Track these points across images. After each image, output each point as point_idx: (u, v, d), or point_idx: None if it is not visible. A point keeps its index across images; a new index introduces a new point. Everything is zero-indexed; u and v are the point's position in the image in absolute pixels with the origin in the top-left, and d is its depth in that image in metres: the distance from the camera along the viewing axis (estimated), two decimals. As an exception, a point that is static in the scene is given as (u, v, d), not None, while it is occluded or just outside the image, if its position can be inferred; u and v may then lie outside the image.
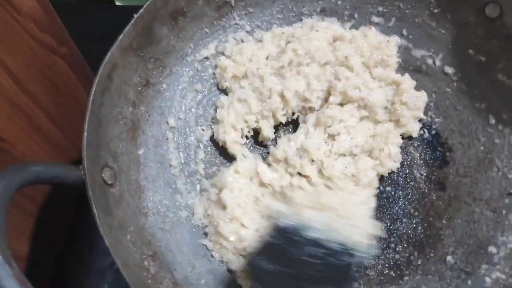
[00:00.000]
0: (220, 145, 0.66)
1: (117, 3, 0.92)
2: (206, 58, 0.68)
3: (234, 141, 0.65)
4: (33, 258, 0.66)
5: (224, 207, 0.59)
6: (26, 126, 0.65)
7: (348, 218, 0.49)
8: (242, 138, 0.66)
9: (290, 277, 0.48)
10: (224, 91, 0.69)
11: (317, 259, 0.47)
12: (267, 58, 0.68)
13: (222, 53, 0.69)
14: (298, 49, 0.66)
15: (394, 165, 0.63)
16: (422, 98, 0.65)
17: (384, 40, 0.68)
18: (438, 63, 0.67)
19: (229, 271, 0.60)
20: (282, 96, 0.64)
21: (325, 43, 0.67)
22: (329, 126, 0.62)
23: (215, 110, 0.67)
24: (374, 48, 0.66)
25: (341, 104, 0.64)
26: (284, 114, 0.65)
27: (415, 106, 0.64)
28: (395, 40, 0.69)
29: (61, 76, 0.74)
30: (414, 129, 0.65)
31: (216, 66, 0.69)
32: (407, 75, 0.65)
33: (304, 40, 0.67)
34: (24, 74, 0.63)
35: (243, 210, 0.59)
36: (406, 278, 0.59)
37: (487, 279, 0.56)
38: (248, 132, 0.67)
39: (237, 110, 0.65)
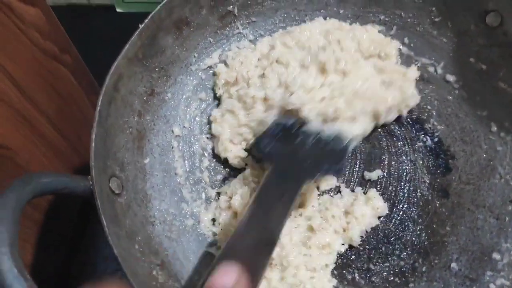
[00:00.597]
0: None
1: (118, 10, 0.92)
2: (210, 67, 0.69)
3: (235, 156, 0.65)
4: (37, 266, 0.66)
5: (235, 214, 0.59)
6: (30, 133, 0.65)
7: None
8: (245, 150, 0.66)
9: (290, 152, 0.56)
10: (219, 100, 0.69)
11: (313, 145, 0.57)
12: (259, 60, 0.68)
13: (225, 62, 0.69)
14: (288, 41, 0.65)
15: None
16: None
17: (386, 38, 0.68)
18: (439, 71, 0.68)
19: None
20: (265, 100, 0.64)
21: (318, 32, 0.66)
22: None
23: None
24: (372, 41, 0.66)
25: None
26: None
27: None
28: (396, 43, 0.69)
29: (64, 84, 0.75)
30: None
31: (214, 74, 0.69)
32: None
33: (296, 32, 0.66)
34: (27, 81, 0.63)
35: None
36: (411, 285, 0.59)
37: (492, 286, 0.57)
38: (247, 145, 0.66)
39: (229, 122, 0.65)
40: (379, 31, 0.69)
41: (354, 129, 0.60)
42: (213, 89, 0.69)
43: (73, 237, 0.76)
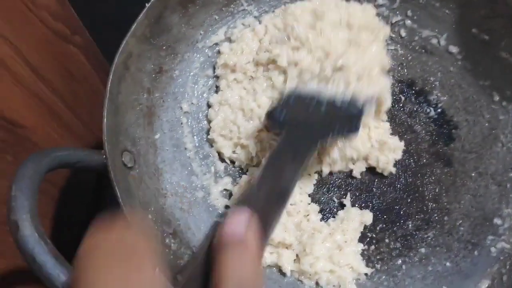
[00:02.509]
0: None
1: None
2: (216, 44, 0.70)
3: (220, 151, 0.66)
4: (55, 240, 0.69)
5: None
6: (44, 112, 0.67)
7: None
8: (235, 152, 0.66)
9: (303, 118, 0.56)
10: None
11: (327, 112, 0.57)
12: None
13: (230, 39, 0.70)
14: (278, 24, 0.66)
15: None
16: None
17: (379, 24, 0.66)
18: (442, 42, 0.69)
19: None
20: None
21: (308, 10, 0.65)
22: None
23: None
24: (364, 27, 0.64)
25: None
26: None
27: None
28: (388, 29, 0.67)
29: (75, 64, 0.77)
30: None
31: (219, 52, 0.70)
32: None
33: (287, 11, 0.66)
34: (40, 62, 0.65)
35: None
36: (414, 251, 0.61)
37: (493, 249, 0.58)
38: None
39: (226, 113, 0.66)
40: (381, 5, 0.69)
41: (367, 91, 0.59)
42: (218, 67, 0.71)
43: (89, 212, 0.79)
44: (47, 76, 0.67)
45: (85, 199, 0.80)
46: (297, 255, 0.60)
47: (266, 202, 0.42)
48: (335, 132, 0.56)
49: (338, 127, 0.56)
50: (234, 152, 0.66)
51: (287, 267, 0.59)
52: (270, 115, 0.58)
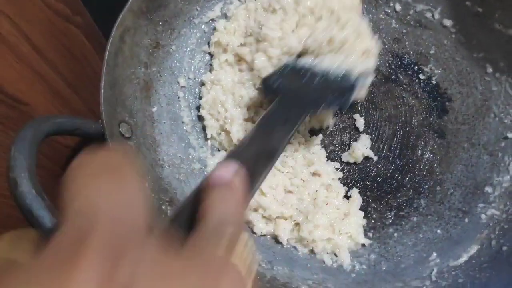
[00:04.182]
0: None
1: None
2: (212, 20, 0.71)
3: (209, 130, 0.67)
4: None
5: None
6: (46, 91, 0.69)
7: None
8: (219, 135, 0.67)
9: (296, 87, 0.58)
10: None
11: (321, 83, 0.59)
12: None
13: (226, 15, 0.71)
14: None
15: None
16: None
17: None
18: (437, 16, 0.69)
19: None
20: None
21: None
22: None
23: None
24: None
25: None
26: None
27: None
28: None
29: (76, 44, 0.78)
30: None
31: (215, 28, 0.71)
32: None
33: None
34: (42, 42, 0.67)
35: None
36: (406, 219, 0.62)
37: (483, 216, 0.59)
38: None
39: (217, 93, 0.66)
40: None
41: (361, 65, 0.61)
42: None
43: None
44: (48, 55, 0.69)
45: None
46: (297, 223, 0.61)
47: (254, 158, 0.43)
48: (326, 103, 0.57)
49: (329, 99, 0.57)
50: (219, 134, 0.67)
51: (284, 237, 0.61)
52: (266, 81, 0.60)
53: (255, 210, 0.61)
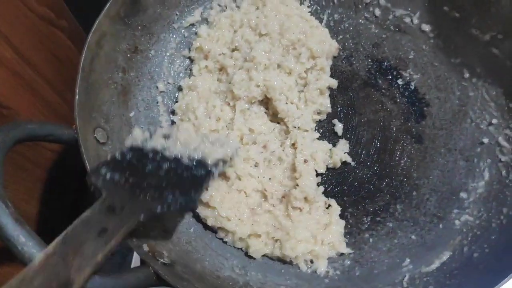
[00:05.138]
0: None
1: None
2: (192, 25, 0.71)
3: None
4: (42, 218, 0.71)
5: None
6: (29, 95, 0.69)
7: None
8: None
9: (131, 185, 0.49)
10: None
11: (168, 171, 0.52)
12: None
13: (206, 20, 0.72)
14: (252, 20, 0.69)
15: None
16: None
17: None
18: (415, 21, 0.69)
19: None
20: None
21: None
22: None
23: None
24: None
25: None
26: None
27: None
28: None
29: (61, 48, 0.78)
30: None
31: (196, 33, 0.71)
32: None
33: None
34: (25, 45, 0.67)
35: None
36: (382, 225, 0.62)
37: (457, 222, 0.60)
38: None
39: (192, 100, 0.66)
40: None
41: (219, 152, 0.57)
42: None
43: (77, 191, 0.81)
44: (33, 59, 0.69)
45: (72, 180, 0.81)
46: (276, 240, 0.60)
47: None
48: (166, 204, 0.48)
49: (173, 197, 0.48)
50: None
51: (258, 256, 0.59)
52: (92, 173, 0.49)
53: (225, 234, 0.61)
